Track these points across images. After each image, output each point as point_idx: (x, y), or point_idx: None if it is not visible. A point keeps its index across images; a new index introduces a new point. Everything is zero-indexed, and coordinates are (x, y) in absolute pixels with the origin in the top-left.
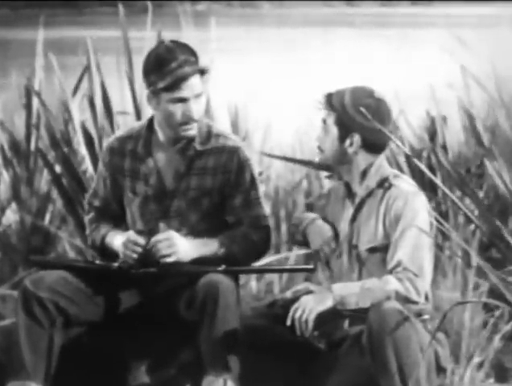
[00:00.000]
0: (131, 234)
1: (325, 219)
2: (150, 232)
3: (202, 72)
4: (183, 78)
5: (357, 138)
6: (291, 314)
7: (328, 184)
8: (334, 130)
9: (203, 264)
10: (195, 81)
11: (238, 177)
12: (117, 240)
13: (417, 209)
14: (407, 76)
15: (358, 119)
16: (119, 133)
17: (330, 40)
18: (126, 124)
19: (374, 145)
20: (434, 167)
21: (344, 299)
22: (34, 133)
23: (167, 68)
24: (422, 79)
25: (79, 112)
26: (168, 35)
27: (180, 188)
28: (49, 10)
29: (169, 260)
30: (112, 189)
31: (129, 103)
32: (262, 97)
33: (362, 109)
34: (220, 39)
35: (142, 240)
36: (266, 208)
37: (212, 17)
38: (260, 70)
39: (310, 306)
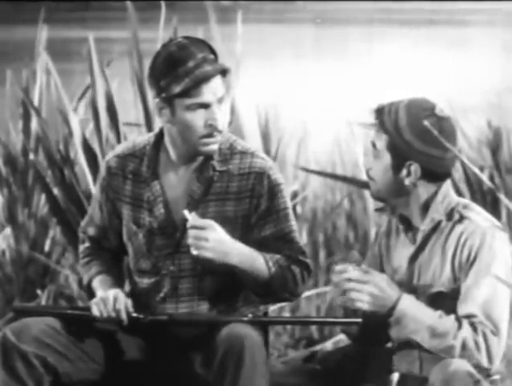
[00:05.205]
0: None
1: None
2: (156, 271)
3: (224, 73)
4: (204, 79)
5: (415, 168)
6: (346, 274)
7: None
8: (387, 157)
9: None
10: (217, 83)
11: (268, 204)
12: (99, 293)
13: (496, 250)
14: (463, 81)
15: (416, 145)
16: (120, 148)
17: (374, 41)
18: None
19: (437, 173)
20: (497, 188)
21: (405, 322)
22: (32, 147)
23: (182, 69)
24: (480, 84)
25: (81, 125)
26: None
27: None
28: (51, 3)
29: (194, 252)
30: (109, 216)
31: (139, 112)
32: (296, 104)
33: (422, 132)
34: (248, 38)
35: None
36: (303, 235)
37: (239, 12)
38: (293, 74)
39: (372, 288)
